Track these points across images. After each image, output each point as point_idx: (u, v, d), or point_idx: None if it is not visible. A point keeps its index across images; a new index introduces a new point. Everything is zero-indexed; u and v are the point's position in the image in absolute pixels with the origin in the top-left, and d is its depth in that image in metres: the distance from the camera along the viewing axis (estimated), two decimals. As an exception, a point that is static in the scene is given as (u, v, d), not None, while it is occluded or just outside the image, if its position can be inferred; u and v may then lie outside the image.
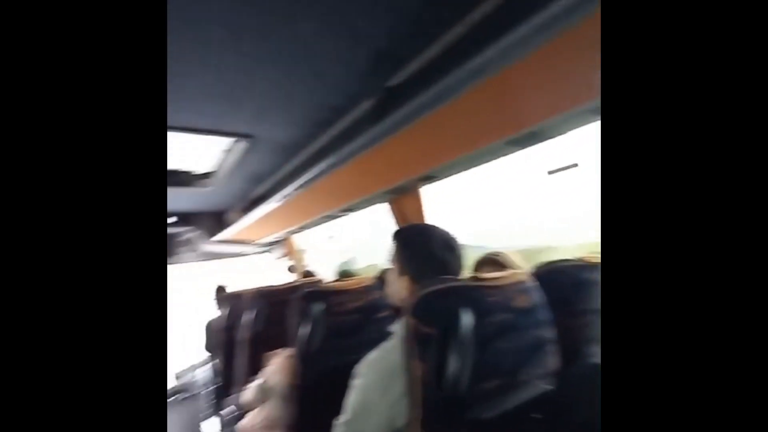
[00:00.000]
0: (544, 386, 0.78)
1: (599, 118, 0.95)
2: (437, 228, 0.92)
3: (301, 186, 1.56)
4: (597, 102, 0.87)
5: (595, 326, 0.99)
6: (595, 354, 1.00)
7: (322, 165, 1.37)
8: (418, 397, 0.67)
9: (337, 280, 1.57)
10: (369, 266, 3.30)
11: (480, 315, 0.69)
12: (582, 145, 1.17)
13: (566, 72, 0.87)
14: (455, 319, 0.67)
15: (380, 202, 1.90)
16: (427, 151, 1.32)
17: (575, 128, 1.07)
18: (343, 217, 2.24)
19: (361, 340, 1.25)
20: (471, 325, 0.66)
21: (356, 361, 0.86)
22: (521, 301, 0.77)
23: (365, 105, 1.24)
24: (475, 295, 0.71)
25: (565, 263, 1.04)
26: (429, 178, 1.52)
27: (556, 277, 0.96)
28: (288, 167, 1.77)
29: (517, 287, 0.78)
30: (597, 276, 1.03)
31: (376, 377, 0.75)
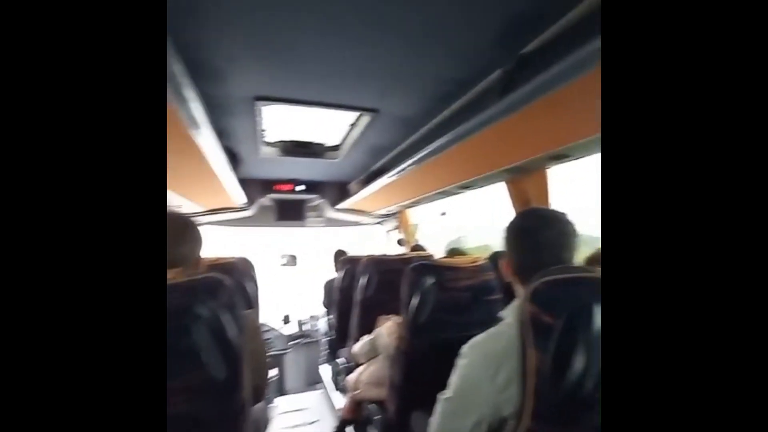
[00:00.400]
0: None
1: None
2: (557, 214, 0.83)
3: (419, 160, 1.58)
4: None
5: None
6: None
7: (442, 140, 1.35)
8: (531, 388, 0.63)
9: (446, 257, 1.56)
10: (480, 247, 3.22)
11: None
12: None
13: None
14: (579, 311, 0.61)
15: (499, 181, 1.80)
16: (558, 128, 1.18)
17: None
18: (458, 195, 2.20)
19: (469, 319, 1.24)
20: (596, 319, 0.60)
21: (463, 338, 0.85)
22: None
23: (493, 77, 1.16)
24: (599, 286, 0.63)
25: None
26: (559, 158, 1.37)
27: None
28: (409, 141, 1.80)
29: None
30: None
31: (483, 361, 0.73)
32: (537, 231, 0.80)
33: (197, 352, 0.71)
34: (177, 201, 2.25)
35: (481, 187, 1.95)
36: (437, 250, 2.56)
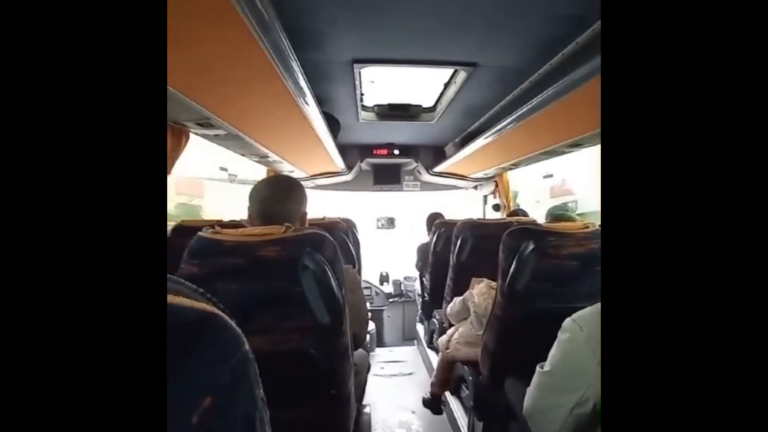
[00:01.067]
0: None
1: None
2: None
3: (521, 117, 1.45)
4: None
5: None
6: None
7: (546, 93, 1.21)
8: None
9: (551, 222, 1.45)
10: (591, 213, 2.89)
11: None
12: None
13: None
14: None
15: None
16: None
17: None
18: (566, 154, 1.98)
19: (574, 290, 1.14)
20: None
21: (565, 310, 0.79)
22: None
23: (597, 28, 0.99)
24: None
25: None
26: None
27: None
28: (509, 97, 1.66)
29: None
30: None
31: (587, 337, 0.68)
32: None
33: (305, 298, 0.80)
34: (287, 167, 2.49)
35: (595, 144, 1.72)
36: (539, 216, 2.39)
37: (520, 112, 1.41)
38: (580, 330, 0.69)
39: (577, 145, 1.76)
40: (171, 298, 0.21)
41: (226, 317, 0.22)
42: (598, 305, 0.71)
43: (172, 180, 1.84)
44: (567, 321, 0.72)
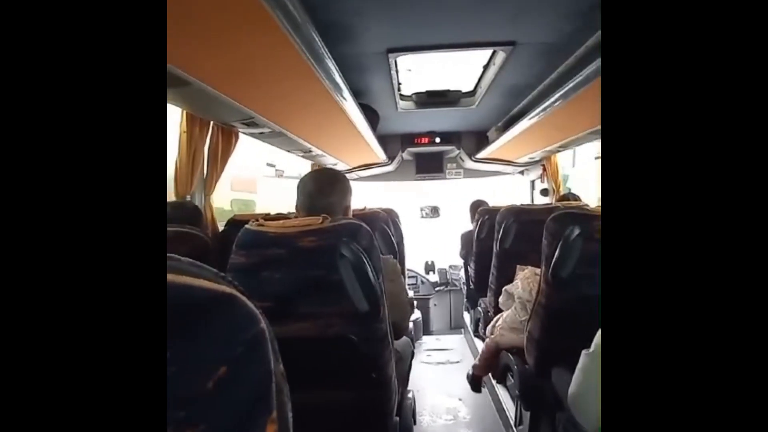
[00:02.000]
0: None
1: None
2: None
3: (566, 95, 1.37)
4: None
5: None
6: None
7: (591, 67, 1.13)
8: None
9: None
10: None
11: None
12: None
13: None
14: None
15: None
16: None
17: None
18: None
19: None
20: None
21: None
22: None
23: None
24: None
25: None
26: None
27: None
28: (552, 75, 1.58)
29: None
30: None
31: None
32: None
33: (343, 286, 0.84)
34: (330, 160, 2.56)
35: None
36: (592, 200, 2.25)
37: (565, 89, 1.34)
38: None
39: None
40: (192, 280, 0.24)
41: (245, 298, 0.25)
42: None
43: (227, 177, 1.98)
44: None
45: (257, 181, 3.80)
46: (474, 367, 1.92)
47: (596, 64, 1.10)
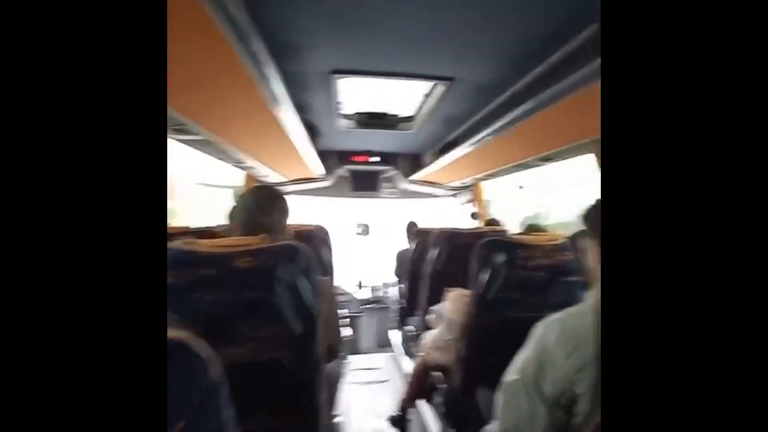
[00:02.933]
0: None
1: None
2: None
3: (497, 131, 1.49)
4: None
5: None
6: None
7: (521, 108, 1.26)
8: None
9: (523, 233, 1.49)
10: (560, 224, 2.99)
11: None
12: None
13: None
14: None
15: (587, 153, 1.64)
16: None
17: None
18: (539, 167, 2.05)
19: (543, 300, 1.18)
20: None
21: (534, 319, 0.81)
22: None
23: (573, 43, 1.03)
24: None
25: None
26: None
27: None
28: (485, 110, 1.71)
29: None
30: None
31: (559, 337, 0.70)
32: None
33: (279, 309, 0.80)
34: (264, 171, 2.45)
35: (565, 159, 1.79)
36: (513, 226, 2.45)
37: (494, 127, 1.46)
38: (552, 331, 0.72)
39: (548, 159, 1.82)
40: None
41: (193, 343, 0.23)
42: (571, 309, 0.74)
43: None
44: (539, 324, 0.75)
45: (175, 188, 3.50)
46: (402, 401, 1.92)
47: (526, 105, 1.22)
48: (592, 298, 0.74)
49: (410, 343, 2.37)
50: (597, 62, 0.93)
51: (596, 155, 1.59)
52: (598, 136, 1.37)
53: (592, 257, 0.79)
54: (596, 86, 1.02)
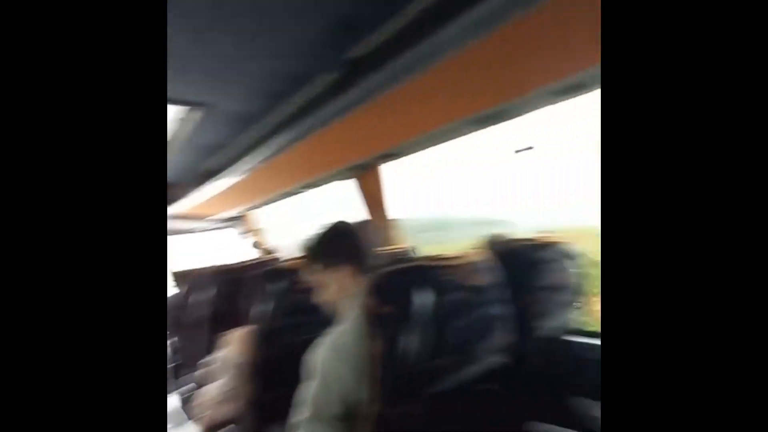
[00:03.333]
0: (496, 360, 0.82)
1: (559, 100, 0.96)
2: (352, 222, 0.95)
3: (259, 160, 1.50)
4: (556, 84, 0.87)
5: (545, 302, 1.04)
6: (544, 327, 1.05)
7: (281, 138, 1.31)
8: (377, 376, 0.68)
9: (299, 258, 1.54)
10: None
11: (438, 293, 0.70)
12: (540, 127, 1.19)
13: (525, 54, 0.86)
14: (415, 298, 0.67)
15: (343, 179, 1.86)
16: (390, 128, 1.29)
17: (536, 110, 1.08)
18: (304, 193, 2.19)
19: (319, 318, 1.24)
20: (430, 303, 0.67)
21: (313, 340, 0.84)
22: (475, 280, 0.80)
23: (327, 76, 1.18)
24: (432, 274, 0.73)
25: (519, 242, 1.08)
26: (391, 156, 1.50)
27: (510, 256, 0.98)
28: (244, 139, 1.68)
29: (471, 267, 0.81)
30: (547, 255, 1.08)
31: (340, 355, 0.74)
32: (351, 233, 0.91)
33: None
34: None
35: (326, 184, 1.99)
36: (293, 251, 2.49)
37: (260, 155, 1.45)
38: (327, 351, 0.75)
39: (310, 186, 1.97)
40: None
41: None
42: (337, 328, 0.79)
43: None
44: (312, 352, 0.77)
45: None
46: None
47: (286, 135, 1.27)
48: (351, 312, 0.80)
49: (191, 406, 2.01)
50: (345, 99, 1.07)
51: (356, 180, 1.84)
52: (353, 164, 1.59)
53: (318, 282, 0.91)
54: (349, 119, 1.16)
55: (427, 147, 1.40)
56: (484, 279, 0.82)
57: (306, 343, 0.83)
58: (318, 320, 1.23)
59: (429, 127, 1.24)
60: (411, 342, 0.66)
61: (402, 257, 0.77)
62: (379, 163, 1.65)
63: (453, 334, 0.74)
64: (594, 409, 1.11)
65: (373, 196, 1.77)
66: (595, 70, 0.82)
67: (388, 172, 1.72)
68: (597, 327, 1.41)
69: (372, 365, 0.68)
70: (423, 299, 0.67)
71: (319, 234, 0.94)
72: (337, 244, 0.91)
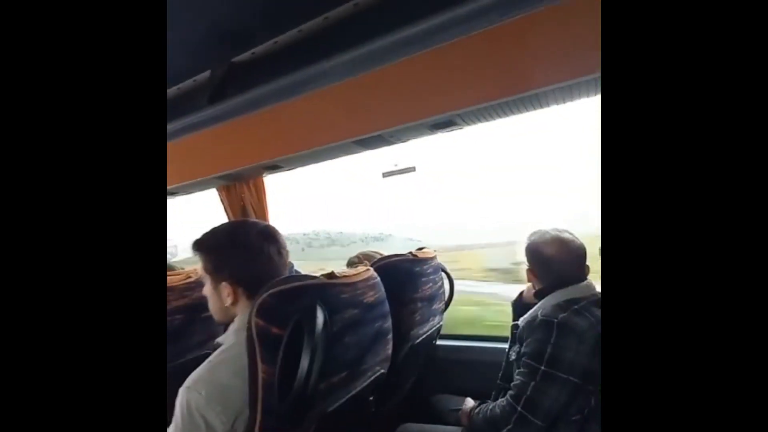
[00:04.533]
0: (378, 370, 0.83)
1: (440, 131, 1.10)
2: (256, 223, 0.84)
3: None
4: (438, 117, 0.99)
5: (420, 312, 1.14)
6: (418, 336, 1.15)
7: None
8: (260, 402, 0.62)
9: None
10: (190, 258, 2.89)
11: (330, 312, 0.67)
12: (419, 152, 1.33)
13: (412, 87, 0.97)
14: (306, 319, 0.62)
15: (212, 188, 1.70)
16: (273, 140, 1.25)
17: (417, 137, 1.20)
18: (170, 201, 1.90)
19: (186, 344, 1.09)
20: (322, 323, 0.64)
21: (179, 366, 0.72)
22: (369, 297, 0.80)
23: (201, 79, 1.08)
24: (326, 293, 0.70)
25: (397, 258, 1.16)
26: (274, 168, 1.45)
27: (390, 271, 1.05)
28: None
29: (367, 283, 0.81)
30: (423, 269, 1.19)
31: (207, 399, 0.64)
32: (238, 242, 0.79)
33: None
34: None
35: (193, 192, 1.78)
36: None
37: None
38: (199, 395, 0.64)
39: (172, 194, 1.74)
40: None
41: None
42: (213, 359, 0.70)
43: None
44: (182, 390, 0.66)
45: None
46: None
47: None
48: (231, 338, 0.74)
49: None
50: (220, 107, 0.99)
51: (219, 190, 1.69)
52: (229, 172, 1.45)
53: (223, 298, 0.78)
54: (222, 128, 1.08)
55: (313, 162, 1.40)
56: (376, 296, 0.83)
57: (172, 372, 0.71)
58: (187, 345, 1.07)
59: (312, 144, 1.24)
60: (303, 364, 0.61)
61: (292, 276, 0.71)
62: (261, 175, 1.57)
63: (345, 352, 0.72)
64: (452, 404, 1.24)
65: (248, 209, 1.66)
66: (469, 109, 0.95)
67: (270, 184, 1.65)
68: (454, 330, 1.62)
69: (253, 393, 0.62)
70: (318, 319, 0.63)
71: (212, 232, 0.82)
72: (222, 249, 0.79)
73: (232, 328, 0.76)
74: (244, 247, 0.78)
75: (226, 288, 0.77)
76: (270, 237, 0.80)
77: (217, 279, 0.78)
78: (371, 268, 0.89)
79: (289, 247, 0.85)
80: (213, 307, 0.82)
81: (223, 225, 0.84)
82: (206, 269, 0.80)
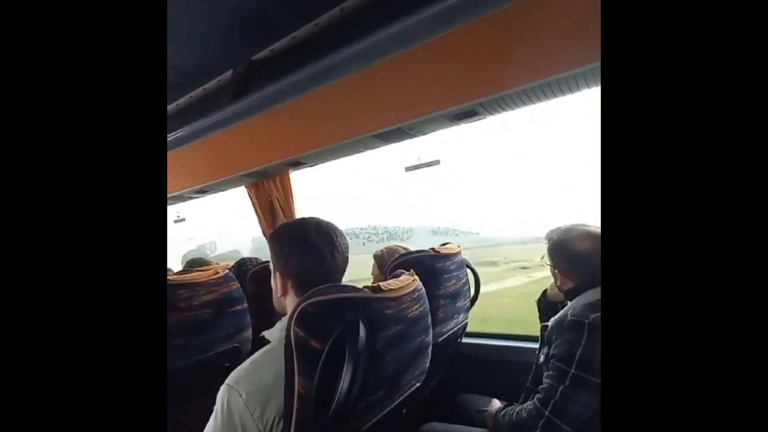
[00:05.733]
0: (414, 384, 0.78)
1: (462, 121, 1.06)
2: (319, 221, 0.80)
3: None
4: (457, 108, 0.95)
5: (443, 310, 1.12)
6: (441, 335, 1.12)
7: (172, 137, 1.16)
8: (296, 417, 0.59)
9: (183, 271, 1.37)
10: (230, 252, 3.01)
11: (373, 328, 0.62)
12: (442, 144, 1.30)
13: (431, 78, 0.94)
14: (347, 335, 0.58)
15: (241, 185, 1.74)
16: (295, 137, 1.25)
17: (437, 130, 1.16)
18: (195, 199, 1.98)
19: (211, 336, 1.12)
20: (364, 341, 0.59)
21: (206, 361, 0.72)
22: (414, 311, 0.75)
23: (226, 76, 1.10)
24: (369, 308, 0.65)
25: (419, 254, 1.14)
26: (297, 164, 1.46)
27: (411, 268, 1.03)
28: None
29: (412, 296, 0.76)
30: (446, 265, 1.16)
31: (247, 399, 0.62)
32: (295, 239, 0.77)
33: None
34: None
35: (223, 190, 1.83)
36: (174, 263, 2.22)
37: None
38: (238, 393, 0.63)
39: (204, 191, 1.80)
40: None
41: None
42: (256, 358, 0.68)
43: None
44: (223, 387, 0.64)
45: None
46: None
47: (175, 135, 1.13)
48: (276, 335, 0.72)
49: None
50: (244, 103, 1.01)
51: (248, 187, 1.73)
52: (255, 170, 1.48)
53: (278, 292, 0.78)
54: (247, 124, 1.09)
55: (335, 158, 1.40)
56: (421, 309, 0.77)
57: (199, 365, 0.71)
58: (213, 338, 1.10)
59: (333, 139, 1.23)
60: (341, 382, 0.57)
61: (336, 286, 0.65)
62: (286, 171, 1.59)
63: (385, 369, 0.67)
64: (479, 404, 1.21)
65: (274, 205, 1.70)
66: (488, 98, 0.90)
67: (297, 180, 1.67)
68: (479, 328, 1.57)
69: (289, 405, 0.59)
70: (360, 335, 0.59)
71: (282, 225, 0.83)
72: (293, 245, 0.77)
73: (278, 325, 0.74)
74: (297, 241, 0.77)
75: (278, 278, 0.78)
76: (323, 234, 0.77)
77: (273, 269, 0.79)
78: (416, 278, 0.83)
79: (350, 241, 0.81)
80: (274, 297, 0.81)
81: (294, 220, 0.85)
82: (270, 259, 0.81)
